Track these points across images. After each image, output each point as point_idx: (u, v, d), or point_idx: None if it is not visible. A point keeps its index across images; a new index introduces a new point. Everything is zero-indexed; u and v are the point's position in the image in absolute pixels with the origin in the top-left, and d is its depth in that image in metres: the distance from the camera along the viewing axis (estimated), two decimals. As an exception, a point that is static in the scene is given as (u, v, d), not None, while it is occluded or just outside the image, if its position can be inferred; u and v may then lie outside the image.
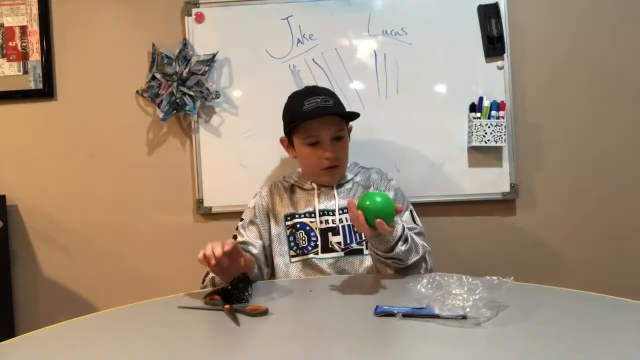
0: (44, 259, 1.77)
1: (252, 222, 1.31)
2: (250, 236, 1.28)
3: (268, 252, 1.30)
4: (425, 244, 1.19)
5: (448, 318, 0.79)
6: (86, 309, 1.74)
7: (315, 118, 1.23)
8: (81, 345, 0.78)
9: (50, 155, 1.75)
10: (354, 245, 1.24)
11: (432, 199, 1.63)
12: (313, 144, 1.27)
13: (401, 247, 1.07)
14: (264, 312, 0.88)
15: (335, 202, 1.28)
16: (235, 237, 1.29)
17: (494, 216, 1.68)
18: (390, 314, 0.82)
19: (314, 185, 1.32)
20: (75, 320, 0.91)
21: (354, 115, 1.30)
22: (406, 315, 0.81)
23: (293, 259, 1.26)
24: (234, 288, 0.94)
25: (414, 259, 1.11)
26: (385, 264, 1.11)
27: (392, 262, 1.10)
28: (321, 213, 1.27)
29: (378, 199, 0.99)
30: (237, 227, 1.32)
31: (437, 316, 0.80)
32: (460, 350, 0.70)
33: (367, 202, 0.98)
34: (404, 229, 1.09)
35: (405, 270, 1.12)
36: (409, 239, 1.10)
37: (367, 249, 1.24)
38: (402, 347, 0.72)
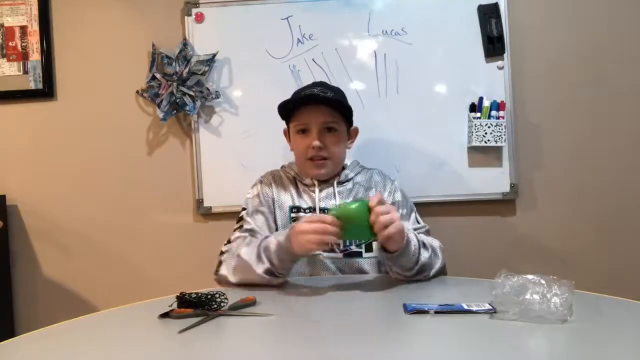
0: (44, 259, 1.77)
1: (258, 211, 1.26)
2: (258, 224, 1.23)
3: None
4: (436, 241, 1.20)
5: (479, 313, 0.81)
6: (86, 309, 1.74)
7: (301, 102, 1.24)
8: (81, 345, 0.78)
9: (50, 155, 1.76)
10: (353, 248, 1.23)
11: (432, 199, 1.63)
12: (303, 131, 1.26)
13: (425, 254, 1.08)
14: (253, 303, 0.92)
15: (336, 201, 1.26)
16: (241, 226, 1.24)
17: (494, 216, 1.68)
18: (422, 312, 0.83)
19: (315, 181, 1.29)
20: (75, 320, 0.91)
21: (347, 109, 1.26)
22: (437, 312, 0.82)
23: None
24: (206, 296, 0.90)
25: (437, 264, 1.12)
26: (412, 278, 1.09)
27: (420, 276, 1.09)
28: (322, 211, 1.24)
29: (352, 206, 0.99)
30: (241, 216, 1.26)
31: (467, 311, 0.82)
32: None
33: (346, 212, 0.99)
34: (417, 237, 1.09)
35: (428, 276, 1.11)
36: (427, 244, 1.11)
37: (366, 252, 1.23)
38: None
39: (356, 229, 0.99)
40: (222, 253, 1.19)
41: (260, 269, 1.06)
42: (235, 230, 1.25)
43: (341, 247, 1.23)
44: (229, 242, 1.21)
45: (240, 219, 1.27)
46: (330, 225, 0.98)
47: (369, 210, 0.98)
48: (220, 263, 1.16)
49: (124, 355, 0.73)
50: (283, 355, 0.71)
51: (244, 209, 1.29)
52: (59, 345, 0.78)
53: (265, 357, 0.71)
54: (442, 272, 1.15)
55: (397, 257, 1.05)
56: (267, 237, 1.13)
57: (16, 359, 0.74)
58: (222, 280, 1.14)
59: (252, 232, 1.21)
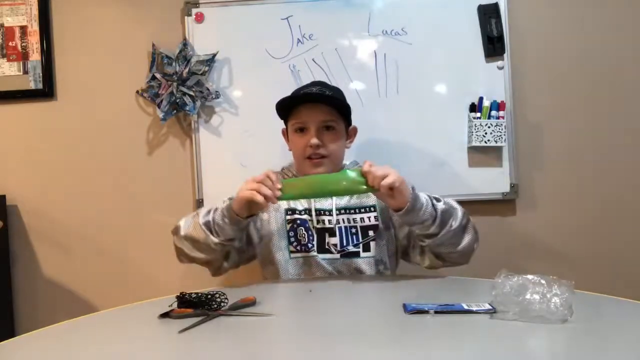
0: (44, 259, 1.77)
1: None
2: None
3: (245, 242, 1.24)
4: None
5: (479, 313, 0.81)
6: (86, 309, 1.74)
7: (298, 101, 1.25)
8: (81, 345, 0.78)
9: (50, 155, 1.75)
10: (351, 248, 1.22)
11: (432, 199, 1.63)
12: (301, 129, 1.26)
13: (439, 204, 1.09)
14: (253, 303, 0.92)
15: (332, 201, 1.25)
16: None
17: (494, 216, 1.68)
18: (422, 312, 0.83)
19: None
20: (75, 320, 0.91)
21: (345, 108, 1.26)
22: (437, 312, 0.82)
23: (293, 255, 1.23)
24: (206, 296, 0.90)
25: (459, 213, 1.12)
26: (443, 239, 1.10)
27: (446, 228, 1.09)
28: (318, 212, 1.24)
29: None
30: (224, 200, 1.22)
31: (467, 311, 0.82)
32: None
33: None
34: (426, 195, 1.11)
35: (464, 235, 1.12)
36: (438, 197, 1.12)
37: (364, 251, 1.22)
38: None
39: (347, 181, 1.06)
40: None
41: (202, 219, 1.12)
42: None
43: (338, 248, 1.23)
44: None
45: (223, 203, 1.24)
46: (269, 178, 1.05)
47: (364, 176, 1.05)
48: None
49: (124, 355, 0.73)
50: (283, 355, 0.71)
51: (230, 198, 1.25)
52: (59, 345, 0.78)
53: (265, 357, 0.71)
54: (468, 223, 1.14)
55: (412, 211, 1.05)
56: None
57: (16, 359, 0.74)
58: (176, 233, 1.19)
59: None
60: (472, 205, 1.65)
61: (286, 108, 1.29)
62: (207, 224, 1.12)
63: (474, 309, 0.83)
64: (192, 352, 0.73)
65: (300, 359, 0.69)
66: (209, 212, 1.14)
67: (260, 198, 1.04)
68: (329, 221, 1.23)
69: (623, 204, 1.65)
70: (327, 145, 1.24)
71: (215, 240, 1.10)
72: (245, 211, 1.09)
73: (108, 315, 0.95)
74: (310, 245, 1.22)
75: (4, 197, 1.73)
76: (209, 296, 0.90)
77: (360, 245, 1.22)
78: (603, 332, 0.73)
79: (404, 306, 0.86)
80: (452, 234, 1.10)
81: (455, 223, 1.10)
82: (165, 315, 0.87)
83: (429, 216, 1.07)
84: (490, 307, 0.82)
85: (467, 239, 1.13)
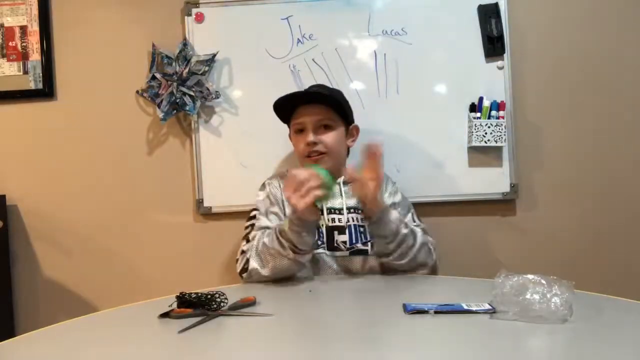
0: (44, 259, 1.77)
1: (271, 212, 1.28)
2: (272, 225, 1.24)
3: None
4: (428, 237, 1.25)
5: (478, 313, 0.81)
6: (86, 309, 1.74)
7: (290, 100, 1.30)
8: (81, 345, 0.78)
9: (50, 155, 1.75)
10: (359, 245, 1.24)
11: (432, 199, 1.63)
12: (300, 130, 1.31)
13: (404, 230, 1.15)
14: (253, 303, 0.92)
15: (343, 200, 1.28)
16: (253, 225, 1.26)
17: (494, 216, 1.68)
18: (422, 312, 0.83)
19: None
20: (75, 320, 0.91)
21: (340, 105, 1.31)
22: (437, 312, 0.83)
23: None
24: (206, 296, 0.90)
25: (417, 244, 1.16)
26: (393, 255, 1.15)
27: (400, 250, 1.14)
28: (328, 211, 1.27)
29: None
30: (254, 215, 1.27)
31: (467, 311, 0.82)
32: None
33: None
34: (399, 216, 1.18)
35: (413, 261, 1.16)
36: (408, 225, 1.18)
37: (372, 249, 1.24)
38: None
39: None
40: (243, 252, 1.20)
41: (286, 250, 1.11)
42: (247, 227, 1.27)
43: (348, 245, 1.24)
44: (247, 241, 1.22)
45: (253, 217, 1.28)
46: (311, 179, 1.04)
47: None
48: (247, 260, 1.18)
49: (124, 355, 0.73)
50: (283, 355, 0.71)
51: (255, 209, 1.30)
52: (59, 345, 0.78)
53: (265, 357, 0.71)
54: (422, 254, 1.18)
55: (377, 223, 1.13)
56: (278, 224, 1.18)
57: (16, 359, 0.74)
58: (254, 275, 1.16)
59: (268, 229, 1.23)
60: (472, 205, 1.66)
61: (287, 112, 1.34)
62: (293, 250, 1.11)
63: (474, 309, 0.83)
64: (192, 352, 0.73)
65: (300, 359, 0.69)
66: (279, 241, 1.12)
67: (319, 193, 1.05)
68: (339, 220, 1.26)
69: (623, 203, 1.65)
70: (324, 142, 1.28)
71: (308, 256, 1.15)
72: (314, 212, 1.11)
73: (108, 315, 0.95)
74: (319, 242, 1.24)
75: (4, 197, 1.73)
76: (209, 296, 0.90)
77: (369, 243, 1.24)
78: (603, 332, 0.73)
79: (404, 306, 0.86)
80: (401, 254, 1.16)
81: (410, 251, 1.16)
82: (165, 315, 0.87)
83: (389, 232, 1.14)
84: (490, 307, 0.82)
85: (419, 264, 1.19)
